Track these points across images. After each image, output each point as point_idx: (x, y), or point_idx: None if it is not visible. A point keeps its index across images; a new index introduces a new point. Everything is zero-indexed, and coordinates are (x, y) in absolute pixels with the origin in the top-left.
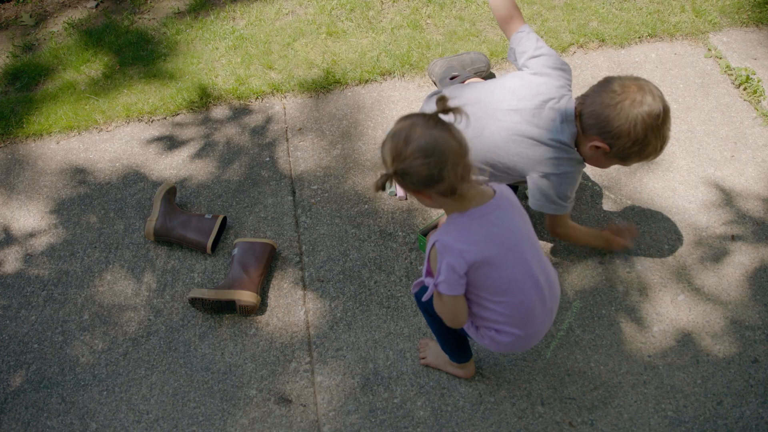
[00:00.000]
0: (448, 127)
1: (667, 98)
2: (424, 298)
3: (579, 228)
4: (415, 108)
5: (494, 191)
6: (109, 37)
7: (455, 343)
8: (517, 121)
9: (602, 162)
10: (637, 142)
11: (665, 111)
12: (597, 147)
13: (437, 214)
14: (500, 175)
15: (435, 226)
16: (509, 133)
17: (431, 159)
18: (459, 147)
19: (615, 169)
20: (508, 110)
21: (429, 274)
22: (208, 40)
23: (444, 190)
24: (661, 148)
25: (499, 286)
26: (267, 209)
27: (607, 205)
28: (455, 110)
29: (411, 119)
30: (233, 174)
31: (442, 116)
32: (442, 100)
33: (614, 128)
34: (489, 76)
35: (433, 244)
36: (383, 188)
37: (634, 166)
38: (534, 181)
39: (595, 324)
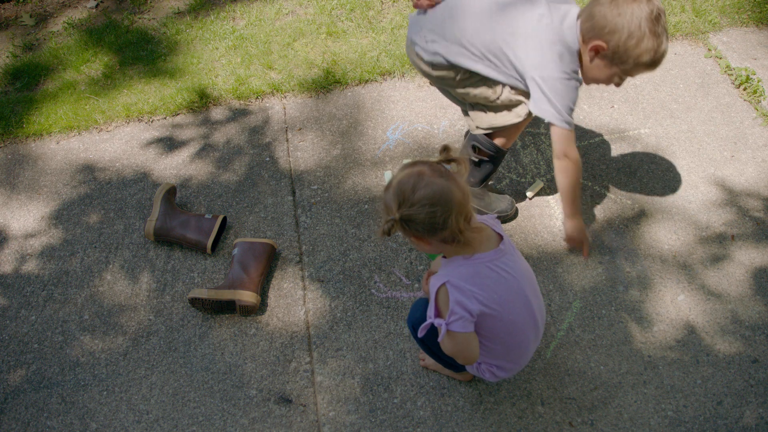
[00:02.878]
0: (452, 177)
1: (667, 98)
2: (440, 339)
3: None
4: (415, 107)
5: (500, 236)
6: (109, 37)
7: (450, 361)
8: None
9: (603, 71)
10: (632, 35)
11: (659, 9)
12: (596, 50)
13: None
14: (501, 68)
15: None
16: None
17: (437, 208)
18: (462, 196)
19: (615, 170)
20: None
21: (437, 315)
22: (208, 40)
23: (446, 237)
24: (656, 51)
25: (506, 328)
26: (267, 209)
27: (608, 205)
28: (457, 160)
29: (417, 167)
30: (233, 174)
31: (445, 165)
32: (446, 150)
33: (610, 22)
34: None
35: (442, 285)
36: (389, 234)
37: (634, 165)
38: (538, 83)
39: (595, 324)
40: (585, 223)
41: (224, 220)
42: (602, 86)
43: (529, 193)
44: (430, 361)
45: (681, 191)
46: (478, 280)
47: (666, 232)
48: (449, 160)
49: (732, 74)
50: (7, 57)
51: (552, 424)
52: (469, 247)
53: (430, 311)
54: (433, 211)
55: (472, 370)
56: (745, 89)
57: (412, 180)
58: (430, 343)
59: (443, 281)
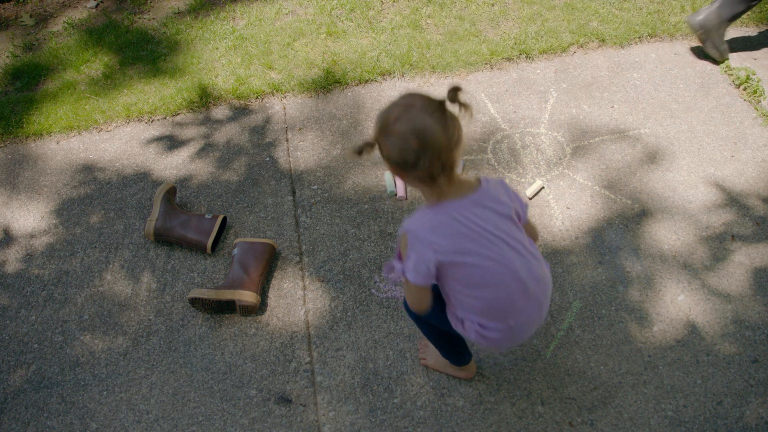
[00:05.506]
0: (443, 119)
1: (667, 98)
2: (393, 276)
3: None
4: None
5: (480, 184)
6: (109, 37)
7: (451, 347)
8: None
9: None
10: None
11: None
12: None
13: None
14: None
15: None
16: None
17: (410, 145)
18: (446, 141)
19: (615, 170)
20: None
21: (400, 258)
22: (208, 40)
23: (419, 176)
24: None
25: (472, 280)
26: (267, 209)
27: (608, 205)
28: (464, 105)
29: (413, 98)
30: (233, 174)
31: (449, 104)
32: (454, 91)
33: None
34: None
35: (405, 233)
36: (360, 153)
37: (634, 165)
38: None
39: (595, 324)
40: (586, 223)
41: (224, 220)
42: (602, 86)
43: (529, 193)
44: (431, 360)
45: (681, 191)
46: (440, 230)
47: (666, 232)
48: (454, 101)
49: (732, 74)
50: (7, 57)
51: (552, 424)
52: (441, 193)
53: (396, 252)
54: (406, 148)
55: (459, 328)
56: (745, 89)
57: (398, 110)
58: (427, 318)
59: (405, 230)
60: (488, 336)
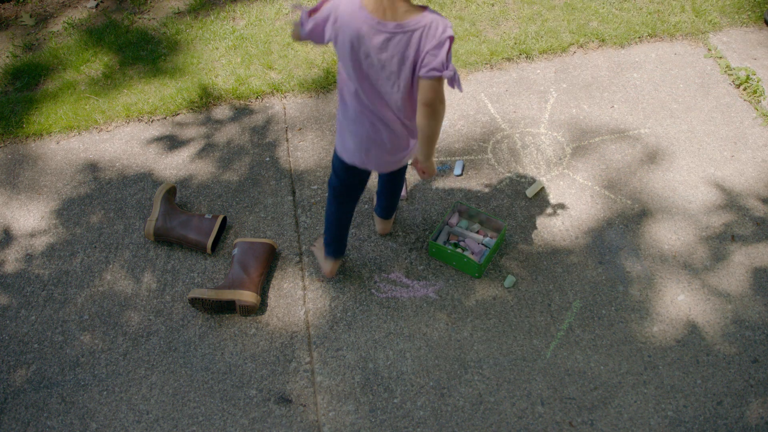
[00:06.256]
0: None
1: (667, 98)
2: (300, 16)
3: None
4: None
5: (410, 20)
6: (109, 37)
7: (331, 230)
8: None
9: None
10: None
11: None
12: None
13: (440, 219)
14: None
15: (440, 231)
16: None
17: None
18: None
19: (615, 170)
20: None
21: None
22: (208, 40)
23: None
24: None
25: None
26: (267, 209)
27: (608, 205)
28: None
29: None
30: (233, 174)
31: None
32: None
33: None
34: None
35: None
36: None
37: (634, 165)
38: None
39: (595, 324)
40: (586, 223)
41: (224, 220)
42: (602, 86)
43: (529, 193)
44: (317, 249)
45: (681, 191)
46: (346, 31)
47: (666, 232)
48: None
49: (732, 74)
50: (7, 57)
51: (552, 424)
52: (379, 5)
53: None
54: None
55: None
56: (745, 89)
57: None
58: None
59: None
60: (337, 145)
